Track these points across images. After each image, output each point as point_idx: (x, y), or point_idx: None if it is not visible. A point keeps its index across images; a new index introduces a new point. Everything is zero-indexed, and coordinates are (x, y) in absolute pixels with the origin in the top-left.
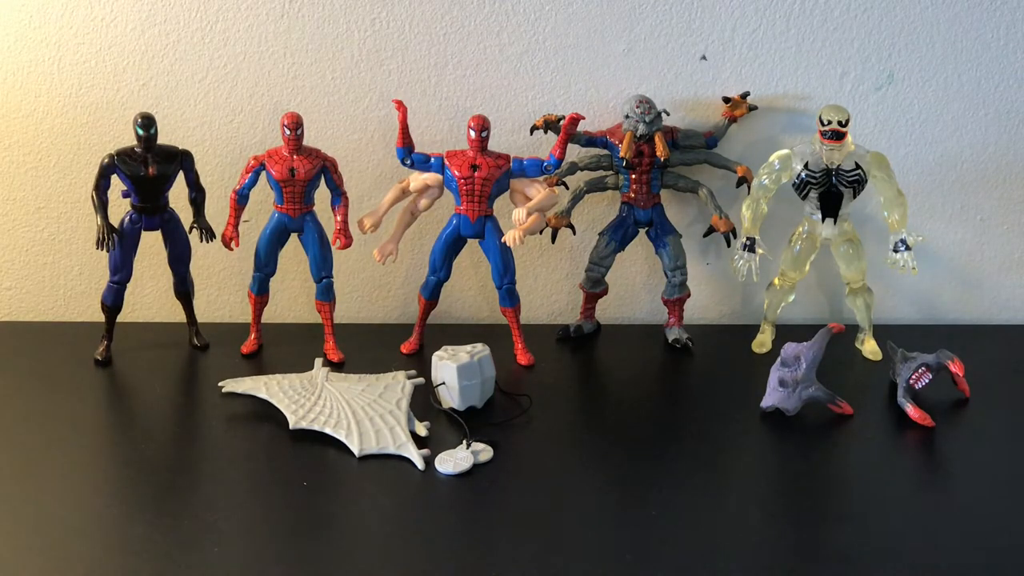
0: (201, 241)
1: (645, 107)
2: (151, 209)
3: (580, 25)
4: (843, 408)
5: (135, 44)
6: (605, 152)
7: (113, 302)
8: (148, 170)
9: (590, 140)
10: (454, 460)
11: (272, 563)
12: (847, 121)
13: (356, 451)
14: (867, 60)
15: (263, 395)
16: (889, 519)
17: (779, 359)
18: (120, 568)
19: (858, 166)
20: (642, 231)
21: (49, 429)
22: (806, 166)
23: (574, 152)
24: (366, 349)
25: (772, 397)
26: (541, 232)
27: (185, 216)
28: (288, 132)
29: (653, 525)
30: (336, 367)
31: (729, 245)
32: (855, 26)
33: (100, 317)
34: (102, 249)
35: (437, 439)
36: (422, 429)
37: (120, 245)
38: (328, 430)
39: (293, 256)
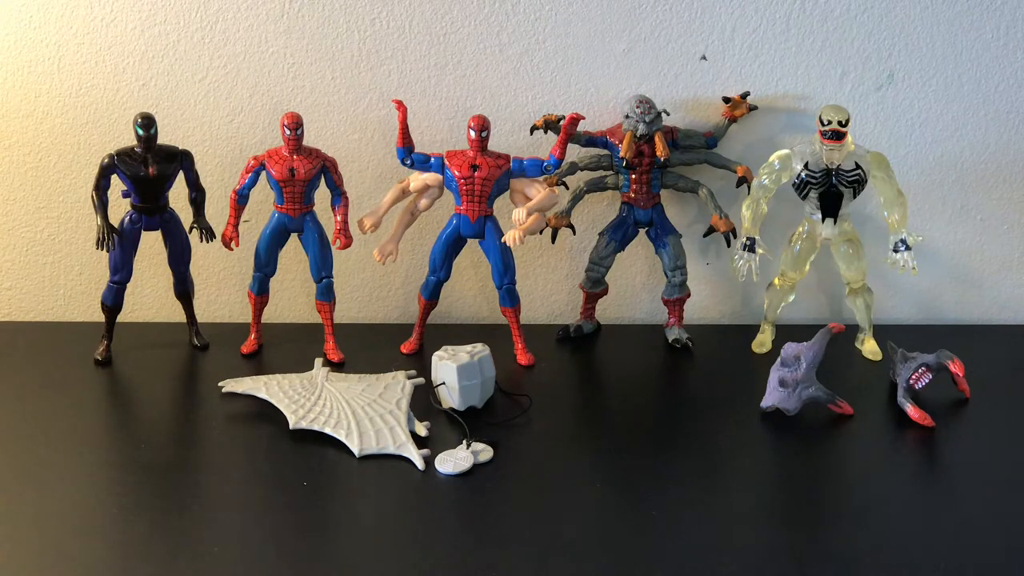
0: (201, 241)
1: (645, 107)
2: (151, 209)
3: (580, 25)
4: (843, 408)
5: (135, 44)
6: (605, 152)
7: (113, 302)
8: (148, 170)
9: (590, 140)
10: (454, 460)
11: (272, 563)
12: (847, 121)
13: (356, 451)
14: (867, 60)
15: (263, 395)
16: (889, 519)
17: (779, 359)
18: (120, 568)
19: (858, 166)
20: (642, 231)
21: (49, 429)
22: (806, 166)
23: (574, 152)
24: (366, 349)
25: (772, 397)
26: (541, 232)
27: (185, 216)
28: (288, 132)
29: (653, 525)
30: (336, 367)
31: (729, 245)
32: (855, 26)
33: (100, 317)
34: (102, 249)
35: (437, 439)
36: (422, 429)
37: (120, 245)
38: (328, 430)
39: (293, 256)
